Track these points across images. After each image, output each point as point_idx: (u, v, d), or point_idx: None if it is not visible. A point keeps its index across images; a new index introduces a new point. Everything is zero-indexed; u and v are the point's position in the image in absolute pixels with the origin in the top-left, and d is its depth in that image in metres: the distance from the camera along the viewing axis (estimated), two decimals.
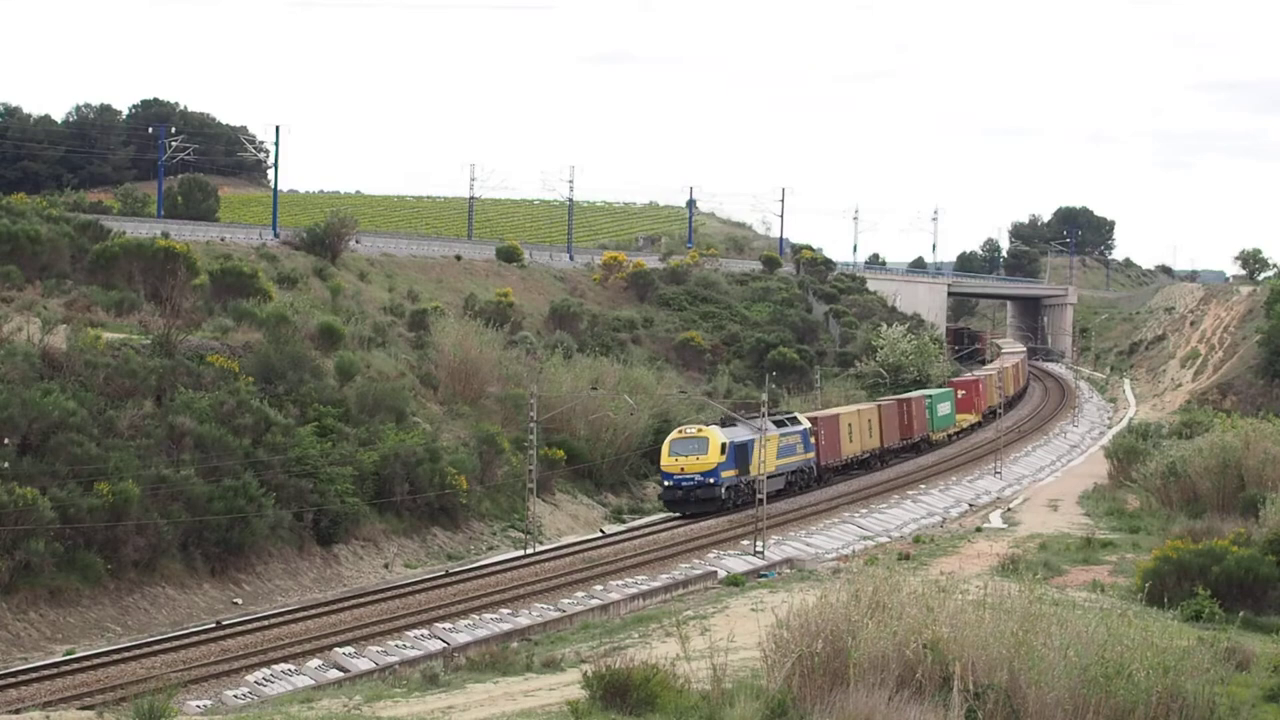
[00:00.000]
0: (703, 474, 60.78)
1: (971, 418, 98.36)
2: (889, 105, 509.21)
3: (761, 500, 54.82)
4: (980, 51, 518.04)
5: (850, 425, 74.94)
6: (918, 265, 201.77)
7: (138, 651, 37.15)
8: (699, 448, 61.09)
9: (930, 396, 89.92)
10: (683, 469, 60.99)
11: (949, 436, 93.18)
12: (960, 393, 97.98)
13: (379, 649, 38.04)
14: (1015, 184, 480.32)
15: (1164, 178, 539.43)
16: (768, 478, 60.58)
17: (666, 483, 61.75)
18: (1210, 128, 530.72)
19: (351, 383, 61.44)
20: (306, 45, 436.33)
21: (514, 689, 27.31)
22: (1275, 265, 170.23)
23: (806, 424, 68.73)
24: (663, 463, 61.92)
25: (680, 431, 62.58)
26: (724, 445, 61.16)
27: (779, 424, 65.72)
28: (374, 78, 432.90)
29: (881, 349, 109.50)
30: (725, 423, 63.78)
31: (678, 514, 61.60)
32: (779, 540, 56.07)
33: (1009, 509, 66.45)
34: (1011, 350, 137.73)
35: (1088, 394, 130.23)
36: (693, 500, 60.99)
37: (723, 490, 61.13)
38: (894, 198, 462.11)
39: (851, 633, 21.29)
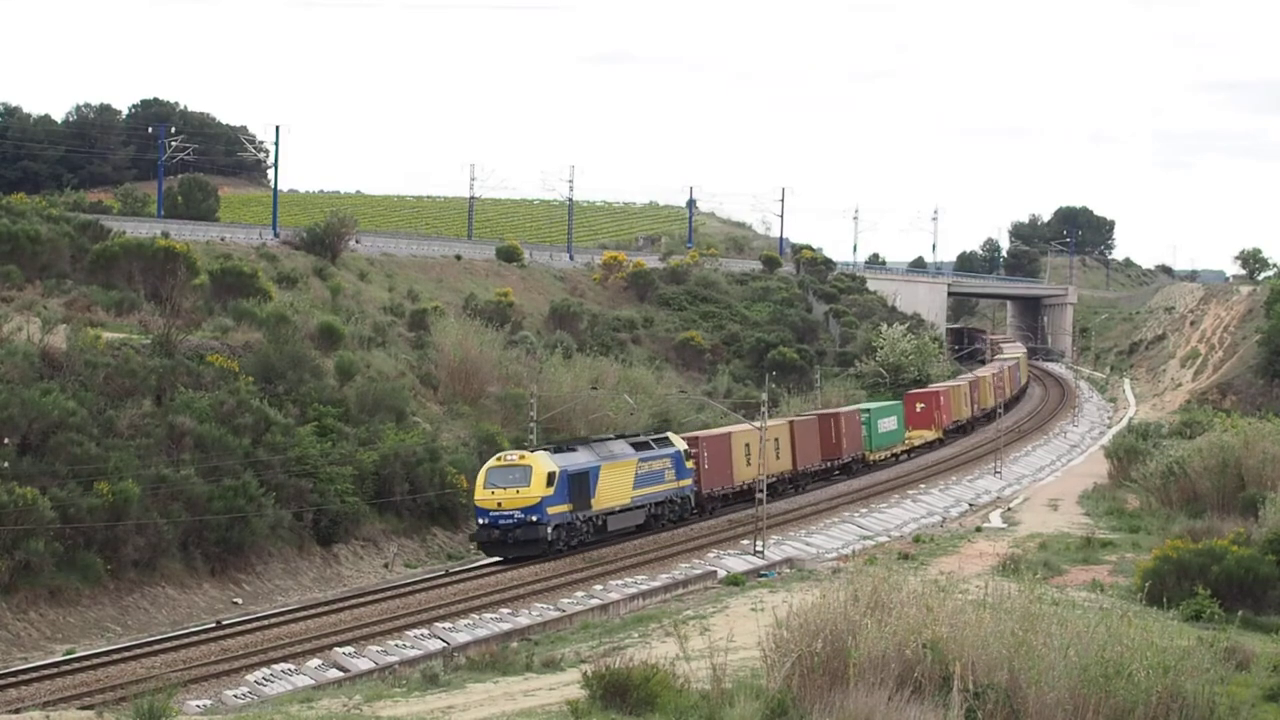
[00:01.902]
0: (524, 510, 49.95)
1: (929, 434, 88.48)
2: (889, 105, 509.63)
3: (762, 500, 54.81)
4: (980, 51, 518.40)
5: (748, 445, 64.18)
6: (918, 265, 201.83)
7: (138, 651, 37.12)
8: (520, 478, 50.23)
9: (868, 411, 79.77)
10: (500, 504, 49.98)
11: (895, 456, 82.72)
12: (918, 405, 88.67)
13: (379, 649, 38.02)
14: (1015, 184, 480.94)
15: (1164, 178, 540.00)
16: (614, 513, 53.60)
17: (480, 521, 50.54)
18: (1210, 128, 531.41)
19: (351, 383, 61.45)
20: (306, 45, 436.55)
21: (514, 689, 27.32)
22: (1275, 265, 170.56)
23: (680, 445, 58.79)
24: (476, 496, 51.10)
25: (499, 459, 51.59)
26: (551, 475, 50.35)
27: (639, 446, 56.42)
28: (374, 78, 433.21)
29: (881, 349, 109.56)
30: (562, 447, 53.84)
31: (498, 559, 50.87)
32: (779, 540, 56.07)
33: (1009, 509, 66.51)
34: (1002, 357, 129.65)
35: (1088, 394, 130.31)
36: (511, 542, 50.18)
37: (549, 530, 50.34)
38: (894, 198, 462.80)
39: (851, 633, 21.30)
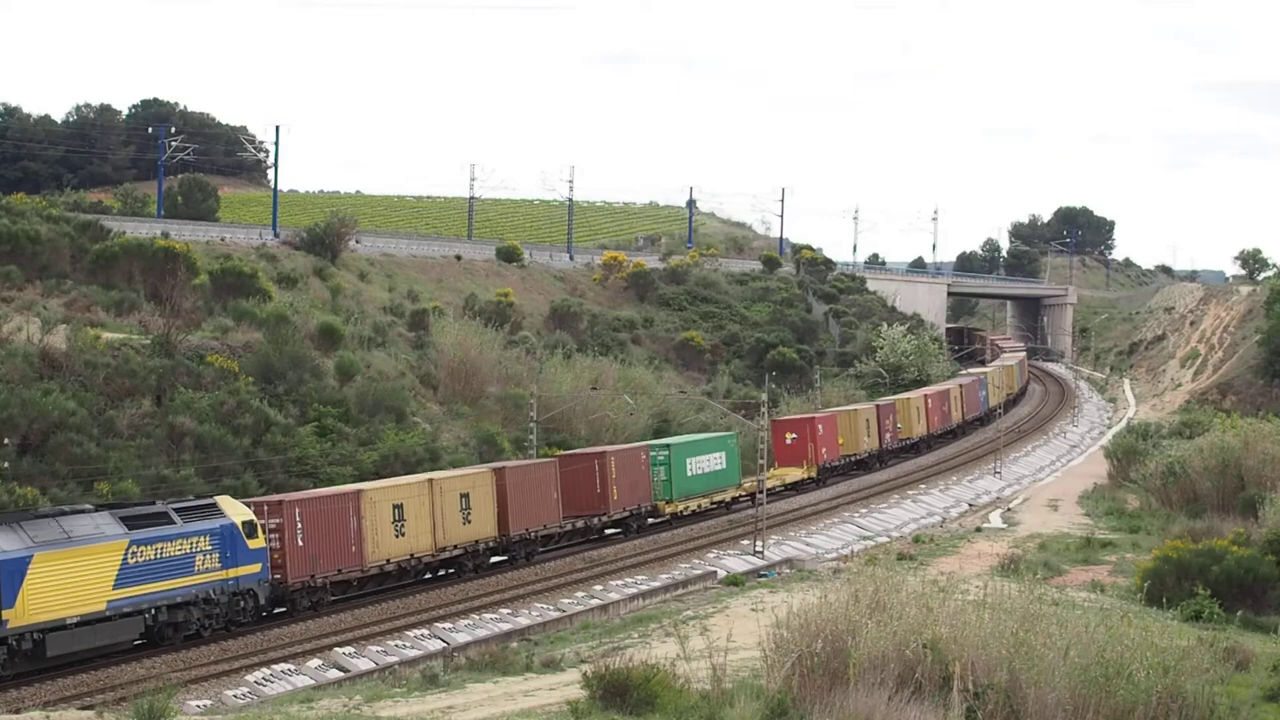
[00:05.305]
0: None
1: (797, 473, 70.26)
2: (889, 105, 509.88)
3: (762, 500, 54.84)
4: (981, 51, 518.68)
5: (400, 509, 45.47)
6: (918, 265, 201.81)
7: (138, 651, 37.13)
8: None
9: (666, 448, 60.33)
10: None
11: (722, 504, 64.08)
12: (789, 436, 70.98)
13: (379, 649, 38.08)
14: (1015, 184, 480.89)
15: (1164, 178, 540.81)
16: (65, 628, 34.18)
17: None
18: (1211, 128, 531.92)
19: (351, 383, 61.48)
20: (306, 45, 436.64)
21: (514, 689, 27.31)
22: (1275, 265, 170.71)
23: (237, 516, 39.71)
24: None
25: None
26: None
27: (137, 520, 36.95)
28: (374, 78, 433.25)
29: (881, 349, 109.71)
30: None
31: None
32: (779, 540, 56.12)
33: (1009, 509, 66.52)
34: (968, 372, 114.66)
35: (1087, 394, 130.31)
36: None
37: None
38: (894, 198, 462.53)
39: (851, 633, 21.29)
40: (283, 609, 41.84)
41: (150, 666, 35.63)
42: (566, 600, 44.91)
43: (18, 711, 30.25)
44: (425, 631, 40.26)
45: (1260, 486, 51.78)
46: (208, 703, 32.36)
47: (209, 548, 38.47)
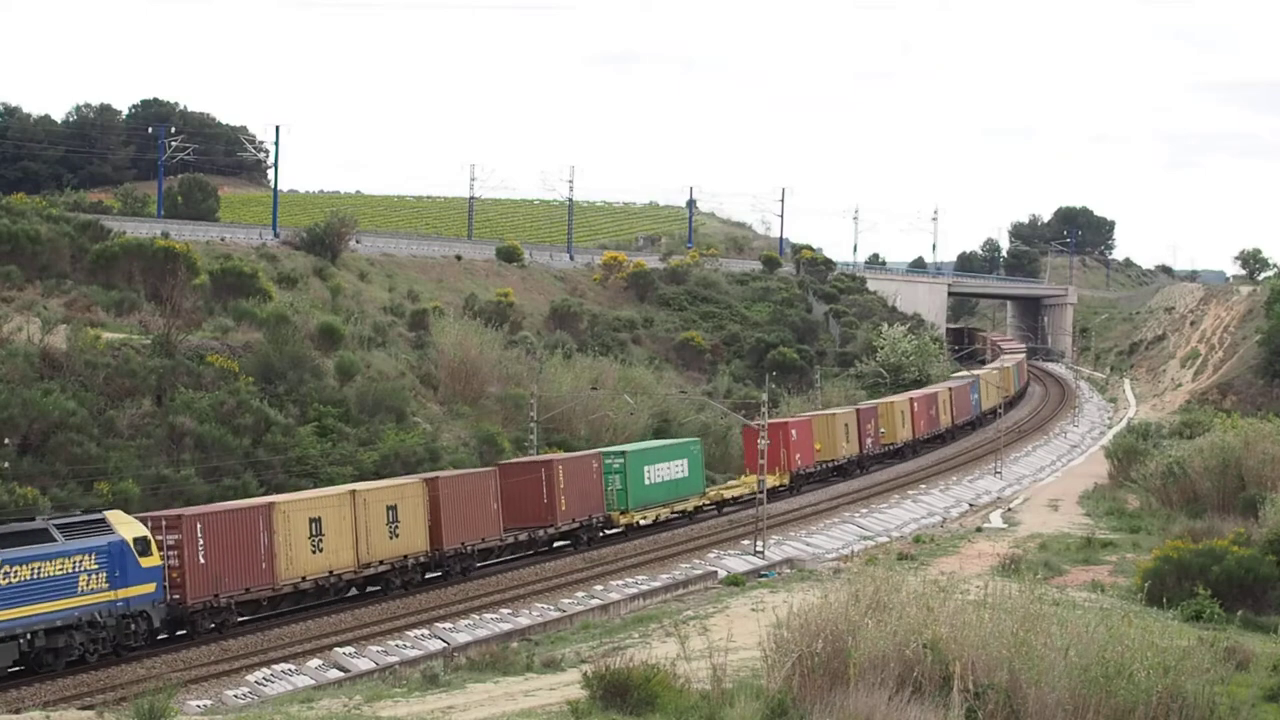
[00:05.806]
0: None
1: (770, 479, 63.51)
2: (889, 105, 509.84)
3: (762, 500, 54.81)
4: (981, 51, 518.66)
5: (317, 523, 42.76)
6: (918, 265, 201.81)
7: (138, 651, 37.12)
8: None
9: (621, 455, 57.70)
10: None
11: (683, 514, 61.42)
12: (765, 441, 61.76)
13: (379, 649, 38.08)
14: (1015, 184, 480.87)
15: (1165, 178, 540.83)
16: None
17: None
18: (1211, 128, 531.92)
19: (351, 383, 61.47)
20: (306, 45, 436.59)
21: (514, 689, 27.30)
22: (1275, 265, 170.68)
23: (129, 532, 36.82)
24: None
25: None
26: None
27: (8, 539, 34.07)
28: (374, 78, 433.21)
29: (882, 349, 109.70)
30: None
31: None
32: (779, 540, 56.11)
33: (1009, 509, 66.50)
34: (960, 374, 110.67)
35: (1088, 394, 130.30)
36: None
37: None
38: (894, 198, 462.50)
39: (851, 633, 21.27)
40: (183, 631, 39.23)
41: (150, 666, 35.66)
42: (567, 600, 44.92)
43: (18, 711, 30.25)
44: (425, 631, 40.26)
45: (1260, 486, 51.80)
46: (208, 703, 32.37)
47: (95, 567, 35.69)
